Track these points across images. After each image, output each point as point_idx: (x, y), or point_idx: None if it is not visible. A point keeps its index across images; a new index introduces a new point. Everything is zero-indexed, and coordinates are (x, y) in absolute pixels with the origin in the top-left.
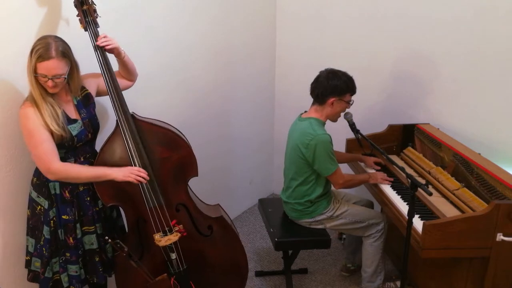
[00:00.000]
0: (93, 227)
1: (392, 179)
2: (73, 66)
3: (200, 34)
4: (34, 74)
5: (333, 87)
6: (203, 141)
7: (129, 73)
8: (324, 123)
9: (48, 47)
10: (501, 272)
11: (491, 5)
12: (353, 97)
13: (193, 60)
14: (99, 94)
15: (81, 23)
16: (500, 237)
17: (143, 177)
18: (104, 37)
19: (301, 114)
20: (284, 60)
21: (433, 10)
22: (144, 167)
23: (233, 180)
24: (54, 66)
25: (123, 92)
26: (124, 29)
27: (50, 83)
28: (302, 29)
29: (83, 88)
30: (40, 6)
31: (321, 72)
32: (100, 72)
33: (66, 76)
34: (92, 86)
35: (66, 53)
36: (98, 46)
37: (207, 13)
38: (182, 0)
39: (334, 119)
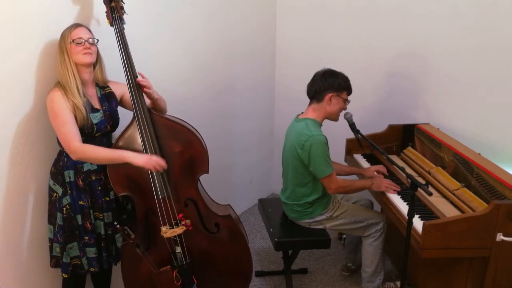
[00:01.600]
0: (101, 215)
1: (399, 188)
2: (98, 52)
3: (199, 31)
4: (69, 42)
5: (330, 82)
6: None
7: (158, 110)
8: (320, 124)
9: (77, 23)
10: (501, 272)
11: (491, 5)
12: (353, 97)
13: (192, 59)
14: (122, 104)
15: (108, 18)
16: (500, 237)
17: (161, 165)
18: (142, 80)
19: (298, 115)
20: (284, 56)
21: (433, 10)
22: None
23: (233, 180)
24: (86, 31)
25: None
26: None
27: (86, 44)
28: (302, 24)
29: (108, 87)
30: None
31: (317, 72)
32: (122, 67)
33: (97, 45)
34: (117, 91)
35: (91, 31)
36: (138, 84)
37: (206, 9)
38: None
39: (333, 117)
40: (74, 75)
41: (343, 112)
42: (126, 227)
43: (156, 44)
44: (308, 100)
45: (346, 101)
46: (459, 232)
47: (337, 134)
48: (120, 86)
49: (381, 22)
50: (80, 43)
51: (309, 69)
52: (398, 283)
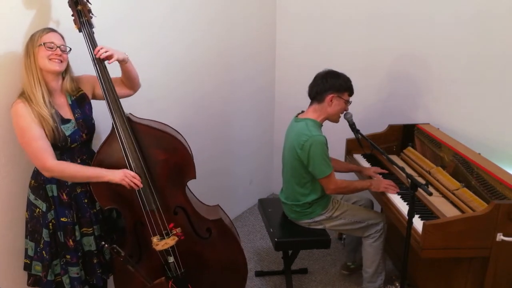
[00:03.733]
0: (91, 229)
1: (398, 189)
2: (68, 62)
3: (199, 34)
4: (39, 44)
5: (331, 83)
6: (202, 142)
7: (131, 81)
8: (320, 125)
9: (50, 28)
10: (501, 272)
11: (491, 5)
12: (353, 97)
13: (192, 61)
14: (94, 97)
15: (75, 23)
16: (500, 237)
17: (136, 184)
18: (101, 48)
19: (298, 114)
20: (284, 60)
21: (433, 11)
22: (140, 170)
23: (233, 180)
24: (60, 38)
25: None
26: (122, 31)
27: (58, 51)
28: (302, 29)
29: (79, 88)
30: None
31: (319, 72)
32: (95, 73)
33: (68, 52)
34: (88, 89)
35: (64, 38)
36: (98, 59)
37: (206, 13)
38: (181, 0)
39: (334, 119)
40: (40, 82)
41: (344, 113)
42: (115, 245)
43: (156, 48)
44: (308, 101)
45: (347, 102)
46: (459, 232)
47: (337, 134)
48: (88, 79)
49: (381, 25)
50: (52, 48)
51: (309, 72)
52: (398, 283)
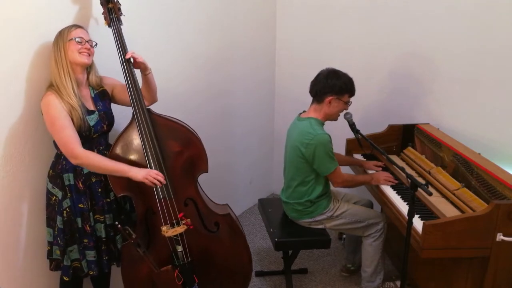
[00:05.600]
0: (102, 217)
1: (396, 181)
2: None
3: (199, 32)
4: (69, 39)
5: (332, 85)
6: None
7: (150, 92)
8: (323, 123)
9: (77, 24)
10: (501, 272)
11: (492, 5)
12: (353, 97)
13: (191, 60)
14: (113, 99)
15: (105, 19)
16: (500, 237)
17: (159, 181)
18: (133, 53)
19: (300, 114)
20: (284, 59)
21: (433, 10)
22: (156, 159)
23: (233, 180)
24: (87, 34)
25: None
26: (124, 31)
27: (86, 45)
28: (302, 25)
29: (100, 85)
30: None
31: (322, 71)
32: (120, 67)
33: (95, 46)
34: (108, 87)
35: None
36: (127, 60)
37: (206, 10)
38: None
39: (332, 118)
40: (69, 75)
41: (343, 112)
42: (127, 227)
43: (157, 45)
44: (309, 99)
45: (347, 103)
46: (459, 232)
47: (337, 134)
48: (109, 81)
49: (381, 23)
50: (81, 42)
51: (309, 69)
52: (398, 283)
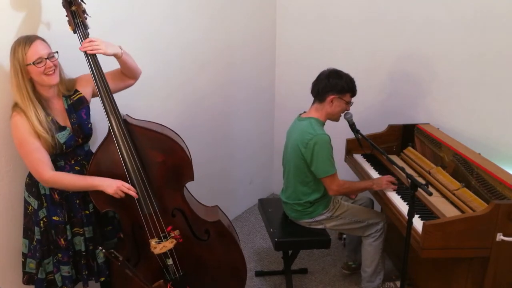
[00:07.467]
0: (81, 230)
1: (396, 186)
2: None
3: (199, 34)
4: (27, 64)
5: (333, 84)
6: (203, 142)
7: (130, 70)
8: (323, 123)
9: (28, 36)
10: (501, 272)
11: (492, 5)
12: (354, 97)
13: (192, 61)
14: (95, 96)
15: (69, 24)
16: (500, 237)
17: (131, 195)
18: (89, 41)
19: (301, 114)
20: (284, 60)
21: (433, 11)
22: (136, 172)
23: (233, 180)
24: (43, 47)
25: (122, 93)
26: (121, 30)
27: (49, 64)
28: (302, 29)
29: (76, 91)
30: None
31: (323, 71)
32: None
33: (57, 57)
34: (87, 90)
35: (46, 41)
36: (85, 53)
37: (206, 12)
38: (180, 0)
39: (334, 118)
40: (31, 100)
41: (344, 112)
42: (112, 250)
43: (157, 48)
44: (309, 99)
45: (348, 103)
46: (459, 232)
47: (337, 134)
48: (87, 80)
49: (381, 25)
50: (41, 62)
51: (309, 73)
52: (398, 283)
